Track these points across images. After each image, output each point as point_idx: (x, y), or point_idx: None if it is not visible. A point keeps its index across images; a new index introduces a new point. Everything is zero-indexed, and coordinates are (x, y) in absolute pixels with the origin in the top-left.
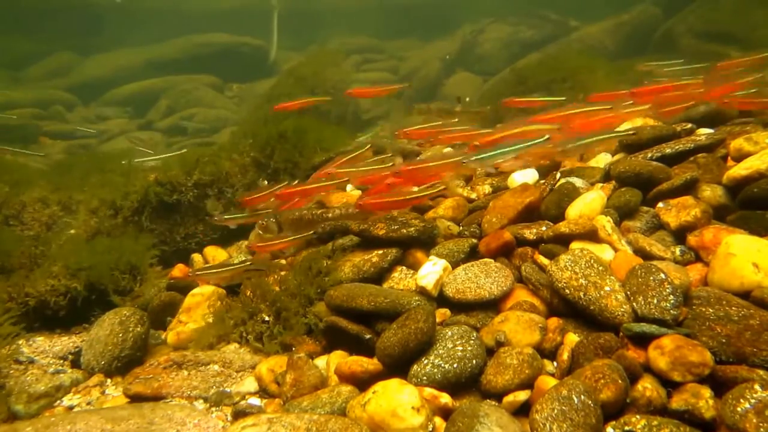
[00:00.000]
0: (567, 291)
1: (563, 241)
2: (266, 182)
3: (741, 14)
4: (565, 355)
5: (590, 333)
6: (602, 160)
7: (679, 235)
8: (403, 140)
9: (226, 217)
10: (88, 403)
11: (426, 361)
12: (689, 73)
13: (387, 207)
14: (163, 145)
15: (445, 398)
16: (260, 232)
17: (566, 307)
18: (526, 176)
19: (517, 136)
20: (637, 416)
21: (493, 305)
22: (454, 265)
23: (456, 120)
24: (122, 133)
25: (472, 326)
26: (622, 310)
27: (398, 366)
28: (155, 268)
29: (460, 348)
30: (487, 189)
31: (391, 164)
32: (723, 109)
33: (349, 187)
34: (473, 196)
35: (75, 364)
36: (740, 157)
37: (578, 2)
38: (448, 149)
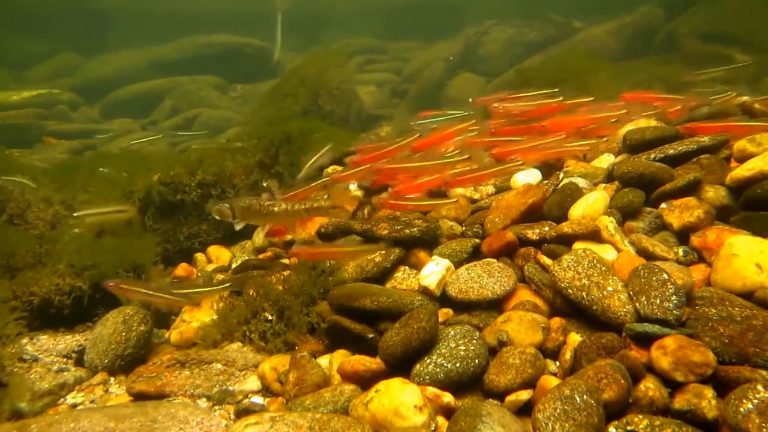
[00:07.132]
0: (570, 291)
1: (566, 241)
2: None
3: (744, 16)
4: (567, 355)
5: (593, 333)
6: (605, 160)
7: (682, 235)
8: None
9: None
10: (92, 401)
11: (429, 361)
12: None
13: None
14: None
15: (447, 397)
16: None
17: (569, 307)
18: (529, 177)
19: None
20: (640, 416)
21: (495, 305)
22: (457, 264)
23: None
24: (126, 133)
25: (474, 326)
26: (624, 310)
27: (401, 365)
28: (158, 267)
29: (463, 347)
30: (490, 189)
31: None
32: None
33: (352, 187)
34: (476, 196)
35: (79, 362)
36: (743, 158)
37: (580, 4)
38: None
